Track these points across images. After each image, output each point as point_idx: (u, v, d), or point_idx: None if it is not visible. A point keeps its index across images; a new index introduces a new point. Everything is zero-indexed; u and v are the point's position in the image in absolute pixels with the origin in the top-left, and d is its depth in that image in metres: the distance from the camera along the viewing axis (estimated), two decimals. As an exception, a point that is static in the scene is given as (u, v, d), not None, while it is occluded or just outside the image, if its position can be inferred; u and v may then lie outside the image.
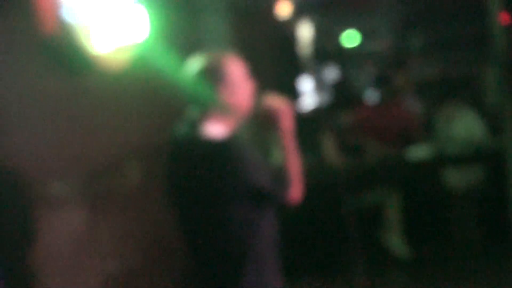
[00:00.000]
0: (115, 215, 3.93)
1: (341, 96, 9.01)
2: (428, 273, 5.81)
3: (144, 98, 4.49)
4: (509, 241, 5.75)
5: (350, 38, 12.77)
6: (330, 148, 6.34)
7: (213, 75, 2.65)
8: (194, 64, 2.69)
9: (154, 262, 4.39)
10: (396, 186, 6.35)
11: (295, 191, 2.71)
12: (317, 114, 2.87)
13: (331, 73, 12.85)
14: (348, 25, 12.79)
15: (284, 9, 10.14)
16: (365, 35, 12.88)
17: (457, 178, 6.38)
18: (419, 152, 6.36)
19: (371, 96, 7.07)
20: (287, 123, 2.76)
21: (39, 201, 3.17)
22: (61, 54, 3.41)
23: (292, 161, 2.74)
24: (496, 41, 5.65)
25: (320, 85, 12.24)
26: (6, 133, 2.99)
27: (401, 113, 7.11)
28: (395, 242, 6.23)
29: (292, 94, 10.32)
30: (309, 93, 11.51)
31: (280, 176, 2.65)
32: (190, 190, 2.66)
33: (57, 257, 3.28)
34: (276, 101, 2.76)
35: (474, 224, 6.27)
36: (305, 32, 11.51)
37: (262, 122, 2.78)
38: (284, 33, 10.38)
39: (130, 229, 4.10)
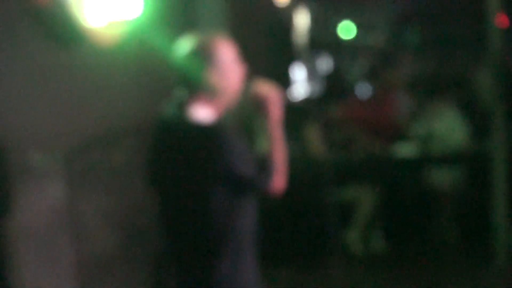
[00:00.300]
0: (96, 192, 3.90)
1: (332, 88, 8.99)
2: (404, 271, 5.83)
3: (134, 75, 4.46)
4: (488, 242, 5.84)
5: (346, 30, 12.77)
6: (314, 139, 6.34)
7: (203, 56, 2.60)
8: (185, 44, 2.65)
9: (132, 243, 4.37)
10: (375, 182, 6.37)
11: (278, 181, 2.67)
12: (306, 104, 2.84)
13: (324, 63, 12.86)
14: (345, 17, 12.80)
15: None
16: (361, 28, 12.91)
17: (439, 177, 6.38)
18: (403, 149, 6.39)
19: (362, 89, 7.06)
20: (275, 111, 2.72)
21: (20, 172, 3.12)
22: (54, 25, 3.37)
23: (277, 150, 2.71)
24: (492, 43, 5.65)
25: (312, 75, 12.24)
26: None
27: (389, 108, 7.12)
28: (353, 239, 6.30)
29: (284, 82, 10.32)
30: (301, 82, 11.51)
31: (264, 165, 2.61)
32: (171, 172, 2.63)
33: (33, 231, 3.25)
34: (266, 88, 2.72)
35: (453, 224, 6.28)
36: (301, 20, 11.50)
37: (250, 108, 2.75)
38: (280, 19, 10.36)
39: (109, 209, 4.07)
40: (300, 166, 5.64)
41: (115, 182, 4.14)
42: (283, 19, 10.56)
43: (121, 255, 4.15)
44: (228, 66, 2.64)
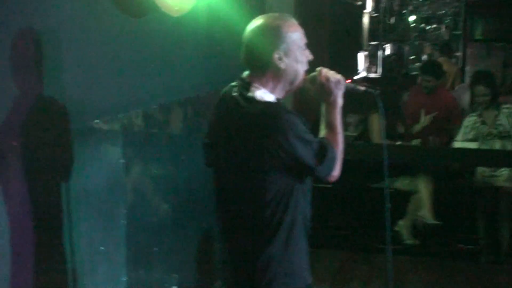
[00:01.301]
0: (153, 160, 3.92)
1: (396, 77, 8.91)
2: (451, 265, 5.77)
3: (201, 47, 4.46)
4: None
5: (415, 21, 12.63)
6: (376, 127, 6.30)
7: (272, 36, 2.57)
8: (256, 23, 2.62)
9: (183, 213, 4.38)
10: (433, 173, 6.30)
11: (336, 168, 2.62)
12: (370, 92, 2.78)
13: (390, 52, 12.75)
14: (413, 8, 12.66)
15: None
16: (427, 19, 12.76)
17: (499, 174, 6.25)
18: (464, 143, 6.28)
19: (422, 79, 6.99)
20: (337, 99, 2.68)
21: (82, 136, 3.15)
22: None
23: (335, 137, 2.67)
24: None
25: (376, 64, 12.17)
26: (60, 68, 2.96)
27: (447, 97, 7.06)
28: (406, 228, 6.29)
29: (349, 69, 10.29)
30: (365, 69, 11.45)
31: (323, 151, 2.56)
32: (231, 150, 2.60)
33: (92, 193, 3.28)
34: (331, 74, 2.68)
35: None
36: (370, 9, 11.40)
37: (314, 94, 2.71)
38: (348, 7, 10.27)
39: (165, 177, 4.09)
40: (360, 152, 5.60)
41: (172, 151, 4.15)
42: (351, 6, 10.48)
43: (172, 224, 4.17)
44: (296, 48, 2.60)
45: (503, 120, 6.10)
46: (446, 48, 10.74)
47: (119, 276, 3.58)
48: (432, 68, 7.01)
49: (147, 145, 3.84)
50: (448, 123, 6.81)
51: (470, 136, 6.20)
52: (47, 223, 2.95)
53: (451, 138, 6.55)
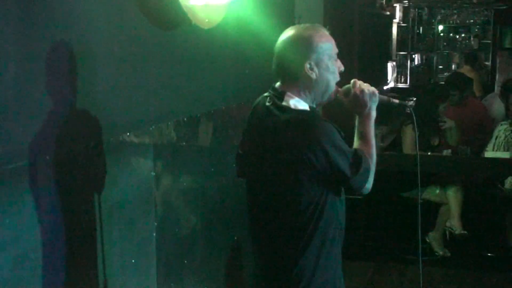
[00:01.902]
0: (183, 172, 3.92)
1: (425, 86, 8.85)
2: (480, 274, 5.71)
3: (231, 58, 4.46)
4: None
5: (444, 30, 12.58)
6: (409, 138, 6.26)
7: (303, 46, 2.56)
8: (287, 33, 2.61)
9: (214, 227, 4.37)
10: (463, 185, 6.25)
11: (369, 181, 2.60)
12: (404, 105, 2.78)
13: (417, 61, 12.70)
14: (442, 16, 12.60)
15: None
16: (456, 29, 12.71)
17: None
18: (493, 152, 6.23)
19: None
20: (371, 112, 2.66)
21: (113, 149, 3.15)
22: (159, 4, 3.38)
23: (369, 150, 2.64)
24: None
25: (405, 72, 12.10)
26: (92, 82, 2.97)
27: (477, 106, 7.02)
28: (436, 239, 6.24)
29: (380, 79, 10.26)
30: (394, 79, 11.39)
31: (357, 164, 2.53)
32: (264, 159, 2.59)
33: (123, 206, 3.28)
34: (364, 86, 2.66)
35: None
36: (399, 18, 11.35)
37: (348, 106, 2.70)
38: (377, 17, 10.25)
39: (194, 190, 4.09)
40: (393, 163, 5.57)
41: (202, 163, 4.15)
42: (381, 17, 10.45)
43: (202, 236, 4.16)
44: (328, 58, 2.59)
45: None
46: (471, 57, 10.69)
47: (150, 288, 3.58)
48: (454, 81, 6.98)
49: (177, 157, 3.84)
50: (479, 132, 6.76)
51: (500, 144, 6.16)
52: (79, 236, 2.95)
53: (483, 148, 6.50)
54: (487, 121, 6.85)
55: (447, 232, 6.29)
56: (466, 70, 9.59)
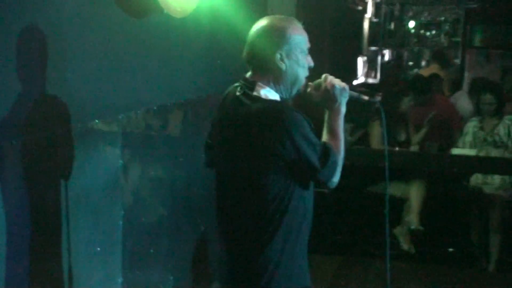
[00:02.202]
0: (150, 161, 3.92)
1: (395, 83, 8.93)
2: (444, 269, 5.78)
3: (204, 48, 4.45)
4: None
5: (415, 27, 12.68)
6: (377, 134, 6.31)
7: (276, 36, 2.56)
8: (259, 24, 2.61)
9: (180, 215, 4.38)
10: (427, 180, 6.31)
11: (336, 175, 2.61)
12: (373, 102, 2.80)
13: (388, 57, 12.80)
14: (413, 13, 12.71)
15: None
16: (427, 26, 12.83)
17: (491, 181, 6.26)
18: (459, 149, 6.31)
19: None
20: (341, 107, 2.68)
21: (82, 137, 3.14)
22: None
23: (337, 144, 2.65)
24: None
25: (375, 68, 12.19)
26: (62, 67, 2.96)
27: (444, 104, 7.10)
28: (401, 233, 6.32)
29: (350, 74, 10.31)
30: (364, 74, 11.47)
31: (325, 156, 2.55)
32: (233, 149, 2.60)
33: (90, 193, 3.27)
34: (335, 81, 2.67)
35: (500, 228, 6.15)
36: (371, 14, 11.42)
37: (318, 100, 2.71)
38: (349, 12, 10.30)
39: (162, 179, 4.08)
40: (361, 158, 5.61)
41: (170, 153, 4.14)
42: (352, 13, 10.51)
43: (169, 226, 4.16)
44: (299, 52, 2.60)
45: (501, 130, 6.15)
46: (438, 55, 10.79)
47: (115, 277, 3.57)
48: (414, 85, 7.06)
49: (146, 146, 3.83)
50: (447, 128, 6.83)
51: (467, 140, 6.24)
52: (45, 222, 2.94)
53: (451, 144, 6.57)
54: (455, 119, 6.92)
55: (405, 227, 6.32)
56: (434, 67, 9.65)
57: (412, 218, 6.21)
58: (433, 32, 12.87)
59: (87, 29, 3.17)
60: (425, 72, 9.05)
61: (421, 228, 6.20)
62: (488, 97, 6.22)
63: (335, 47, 8.87)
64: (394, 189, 6.36)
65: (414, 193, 6.28)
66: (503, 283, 5.59)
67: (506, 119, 6.23)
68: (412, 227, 6.19)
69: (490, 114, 6.21)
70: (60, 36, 2.95)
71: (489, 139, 6.20)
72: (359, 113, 5.97)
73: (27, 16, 2.72)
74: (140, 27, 3.63)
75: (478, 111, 6.46)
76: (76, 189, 3.11)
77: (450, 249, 6.40)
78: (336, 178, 2.60)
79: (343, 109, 2.70)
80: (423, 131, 6.45)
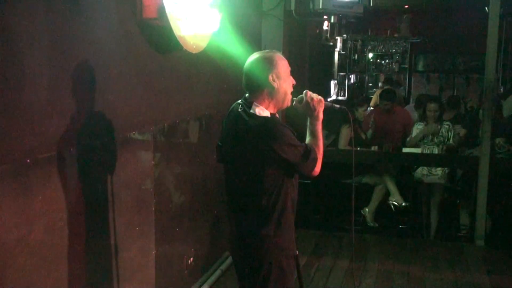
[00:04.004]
0: (176, 163, 3.91)
1: (358, 97, 8.97)
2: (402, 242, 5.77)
3: (213, 76, 4.46)
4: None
5: (373, 57, 12.70)
6: (345, 136, 6.32)
7: (267, 63, 2.59)
8: (254, 56, 2.64)
9: (199, 203, 4.37)
10: (388, 173, 6.31)
11: (317, 167, 2.64)
12: (341, 109, 2.82)
13: (353, 80, 12.80)
14: (371, 46, 12.72)
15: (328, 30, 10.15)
16: (382, 56, 12.86)
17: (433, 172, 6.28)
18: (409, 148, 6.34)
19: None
20: (319, 114, 2.71)
21: (122, 144, 3.15)
22: (157, 33, 3.36)
23: (317, 143, 2.69)
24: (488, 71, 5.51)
25: (344, 88, 12.21)
26: (107, 91, 2.97)
27: (403, 113, 7.11)
28: (369, 212, 6.32)
29: (325, 93, 10.33)
30: (335, 93, 11.50)
31: (308, 153, 2.57)
32: (235, 153, 2.62)
33: (130, 186, 3.27)
34: (314, 96, 2.70)
35: (437, 209, 6.18)
36: (339, 48, 11.42)
37: (301, 110, 2.73)
38: (323, 47, 10.32)
39: (184, 176, 4.08)
40: (333, 156, 5.61)
41: (190, 155, 4.15)
42: (325, 48, 10.53)
43: (189, 210, 4.16)
44: (284, 74, 2.63)
45: (443, 132, 6.21)
46: (389, 80, 11.05)
47: (150, 250, 3.57)
48: (388, 95, 7.08)
49: (172, 151, 3.83)
50: (404, 132, 6.88)
51: (417, 138, 6.24)
52: (96, 211, 2.94)
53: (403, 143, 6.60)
54: (411, 123, 6.94)
55: (392, 206, 6.28)
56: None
57: (397, 199, 6.20)
58: (387, 60, 12.90)
59: (125, 62, 3.18)
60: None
61: (407, 204, 6.20)
62: (433, 106, 6.24)
63: (313, 73, 8.90)
64: (368, 179, 6.39)
65: (389, 181, 6.28)
66: (441, 247, 5.60)
67: (445, 124, 6.27)
68: (403, 204, 6.17)
69: (434, 120, 6.22)
70: (104, 68, 2.96)
71: (435, 140, 6.22)
72: (331, 120, 5.98)
73: (81, 51, 2.73)
74: (166, 61, 3.64)
75: (423, 118, 6.47)
76: (120, 184, 3.12)
77: (401, 226, 6.42)
78: (317, 169, 2.64)
79: (321, 116, 2.73)
80: (418, 135, 6.39)
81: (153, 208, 3.55)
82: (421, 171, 6.34)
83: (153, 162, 3.53)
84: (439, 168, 6.25)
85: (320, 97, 2.71)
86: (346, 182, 6.15)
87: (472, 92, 11.52)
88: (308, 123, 2.74)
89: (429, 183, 6.26)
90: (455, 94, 11.28)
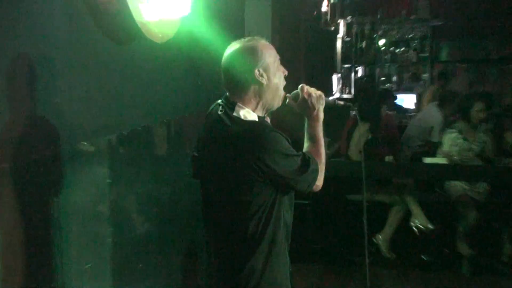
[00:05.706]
0: (137, 179, 3.90)
1: (371, 96, 9.03)
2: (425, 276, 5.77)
3: (183, 71, 4.46)
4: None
5: (385, 45, 12.76)
6: (357, 141, 6.32)
7: (250, 55, 2.59)
8: (232, 47, 2.63)
9: (167, 230, 4.35)
10: (408, 190, 6.30)
11: (318, 180, 2.63)
12: (348, 106, 2.83)
13: (361, 73, 12.87)
14: (383, 32, 12.80)
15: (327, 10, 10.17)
16: (396, 43, 12.95)
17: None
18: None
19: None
20: (319, 113, 2.70)
21: (71, 156, 3.12)
22: (115, 20, 3.34)
23: (318, 150, 2.68)
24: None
25: (349, 84, 12.26)
26: (55, 92, 2.94)
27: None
28: (384, 241, 6.29)
29: (326, 90, 10.37)
30: (339, 90, 11.54)
31: (306, 164, 2.56)
32: (217, 165, 2.60)
33: (80, 207, 3.25)
34: (313, 91, 2.70)
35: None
36: (343, 34, 11.48)
37: (297, 110, 2.73)
38: (322, 32, 10.35)
39: (148, 196, 4.07)
40: (340, 169, 5.60)
41: (155, 170, 4.13)
42: (325, 34, 10.57)
43: (156, 240, 4.14)
44: (273, 66, 2.61)
45: (482, 137, 6.17)
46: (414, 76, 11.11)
47: (106, 292, 3.54)
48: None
49: (132, 165, 3.81)
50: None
51: (454, 150, 6.23)
52: (37, 241, 2.91)
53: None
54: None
55: (415, 230, 6.24)
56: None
57: (422, 221, 6.15)
58: (402, 49, 12.97)
59: (75, 57, 3.15)
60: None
61: (434, 227, 6.16)
62: (481, 105, 6.19)
63: (310, 66, 8.92)
64: (382, 196, 6.33)
65: (411, 200, 6.25)
66: (478, 284, 5.62)
67: (482, 127, 6.27)
68: (430, 226, 6.13)
69: (480, 121, 6.19)
70: (48, 63, 2.93)
71: (475, 148, 6.19)
72: (334, 121, 6.01)
73: (19, 43, 2.71)
74: (124, 53, 3.62)
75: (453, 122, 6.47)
76: (66, 208, 3.08)
77: (424, 257, 6.39)
78: (319, 182, 2.63)
79: (321, 115, 2.73)
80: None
81: (109, 240, 3.52)
82: (461, 185, 6.28)
83: (108, 180, 3.50)
84: (483, 183, 6.21)
85: (319, 92, 2.71)
86: (353, 199, 6.14)
87: (508, 86, 11.62)
88: (306, 125, 2.74)
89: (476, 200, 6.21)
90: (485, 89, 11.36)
